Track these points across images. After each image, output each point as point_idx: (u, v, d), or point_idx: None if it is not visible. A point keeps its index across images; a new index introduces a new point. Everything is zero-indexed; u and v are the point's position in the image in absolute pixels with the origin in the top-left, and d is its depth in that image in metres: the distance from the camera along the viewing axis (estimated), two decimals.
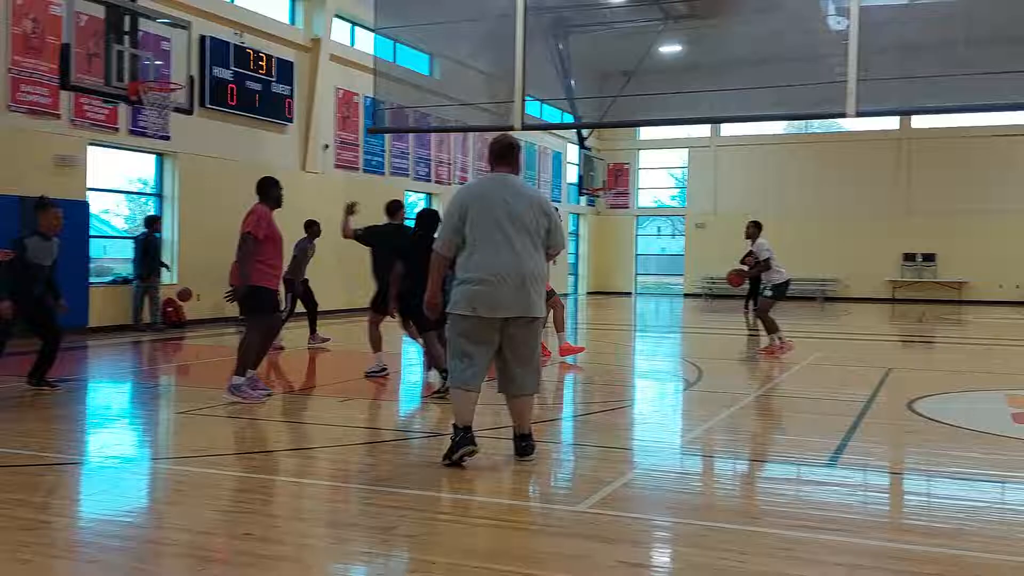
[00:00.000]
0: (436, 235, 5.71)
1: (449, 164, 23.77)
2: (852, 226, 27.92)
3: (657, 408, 8.41)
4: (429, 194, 23.30)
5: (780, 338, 11.56)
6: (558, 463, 5.77)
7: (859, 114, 11.61)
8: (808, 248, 26.59)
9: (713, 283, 29.08)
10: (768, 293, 11.74)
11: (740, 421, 7.31)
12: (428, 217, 8.29)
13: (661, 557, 4.01)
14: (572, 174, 29.77)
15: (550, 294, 11.00)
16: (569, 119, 25.26)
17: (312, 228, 12.24)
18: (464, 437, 5.24)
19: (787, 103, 14.44)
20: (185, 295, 14.63)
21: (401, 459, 5.88)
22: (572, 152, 29.45)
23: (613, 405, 8.20)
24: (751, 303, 19.69)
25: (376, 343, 9.33)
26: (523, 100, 13.25)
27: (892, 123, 27.66)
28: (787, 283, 11.79)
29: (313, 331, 12.37)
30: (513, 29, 13.09)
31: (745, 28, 17.54)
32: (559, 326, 11.03)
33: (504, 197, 5.29)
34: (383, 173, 20.99)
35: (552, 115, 26.51)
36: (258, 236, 7.43)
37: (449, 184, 23.73)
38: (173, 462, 5.68)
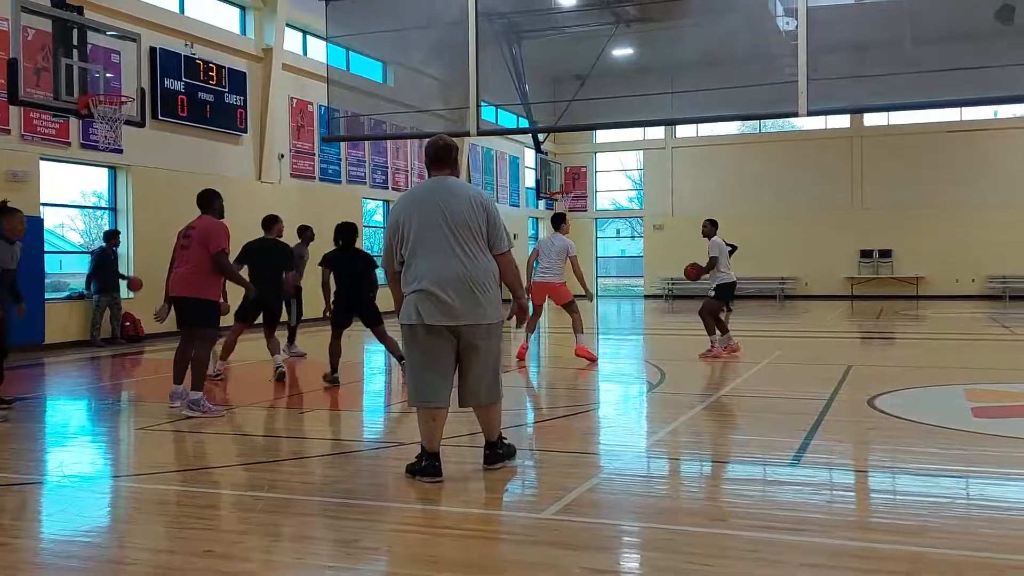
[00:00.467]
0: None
1: (406, 171, 23.69)
2: (809, 224, 28.31)
3: (621, 411, 8.42)
4: (387, 201, 23.20)
5: (715, 342, 11.54)
6: (522, 470, 5.74)
7: (810, 113, 11.79)
8: (766, 247, 26.92)
9: (673, 284, 29.29)
10: (712, 294, 11.68)
11: (704, 422, 7.35)
12: (342, 230, 9.24)
13: (627, 563, 4.00)
14: (530, 178, 29.83)
15: (571, 303, 11.00)
16: (524, 124, 25.32)
17: (306, 233, 12.54)
18: (431, 466, 5.08)
19: (740, 104, 14.59)
20: (136, 284, 14.41)
21: (362, 470, 5.82)
22: (529, 156, 29.51)
23: (577, 409, 8.19)
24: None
25: (228, 350, 9.93)
26: (478, 106, 13.26)
27: (844, 121, 28.13)
28: (733, 285, 11.80)
29: (292, 340, 12.36)
30: (466, 35, 13.10)
31: (696, 30, 17.68)
32: (578, 328, 10.96)
33: (443, 199, 5.08)
34: (340, 181, 20.85)
35: (507, 120, 26.55)
36: (228, 250, 7.46)
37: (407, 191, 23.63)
38: (132, 479, 5.57)
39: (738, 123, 28.91)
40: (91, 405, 8.97)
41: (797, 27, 11.71)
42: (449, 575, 3.68)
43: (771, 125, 29.90)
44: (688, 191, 29.89)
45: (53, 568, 3.89)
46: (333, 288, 9.40)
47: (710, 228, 11.89)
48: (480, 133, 14.09)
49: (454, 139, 5.51)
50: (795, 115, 11.91)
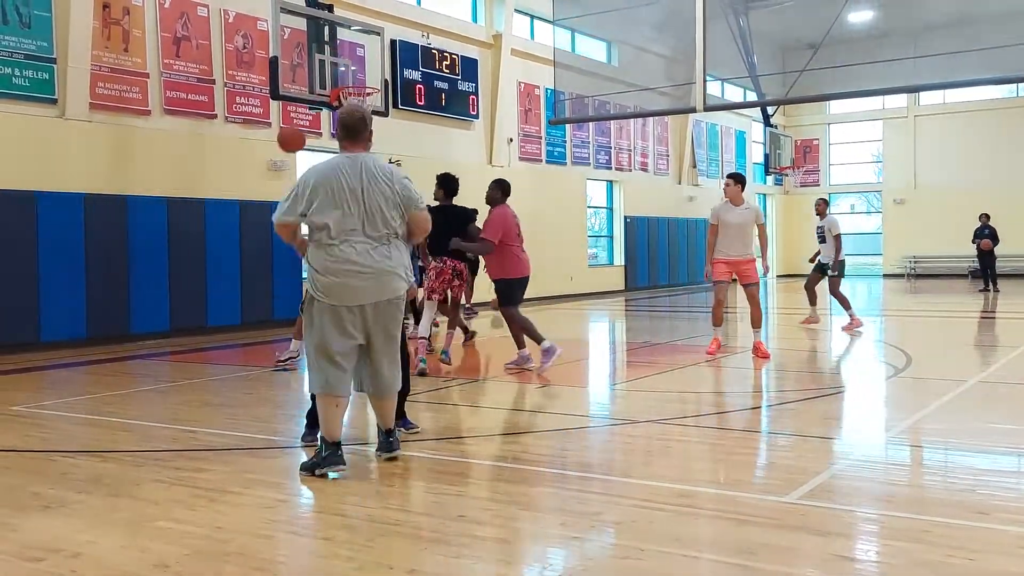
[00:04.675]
0: None
1: (629, 151, 23.64)
2: None
3: (863, 396, 8.05)
4: (610, 181, 23.27)
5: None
6: (761, 453, 5.65)
7: None
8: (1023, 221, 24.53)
9: (916, 262, 27.43)
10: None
11: (958, 410, 6.88)
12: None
13: (881, 553, 3.84)
14: (757, 153, 28.88)
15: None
16: (752, 97, 24.50)
17: None
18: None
19: (996, 65, 13.42)
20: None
21: (599, 445, 5.94)
22: (756, 130, 28.57)
23: (813, 393, 7.91)
24: (991, 282, 18.48)
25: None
26: (704, 81, 12.99)
27: None
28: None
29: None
30: (692, 9, 12.85)
31: None
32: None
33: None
34: (565, 163, 21.16)
35: (733, 94, 25.83)
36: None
37: (630, 171, 23.61)
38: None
39: (993, 88, 26.48)
40: None
41: None
42: (696, 553, 3.71)
43: None
44: (933, 162, 27.80)
45: (323, 525, 4.29)
46: None
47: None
48: (707, 109, 13.82)
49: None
50: None
